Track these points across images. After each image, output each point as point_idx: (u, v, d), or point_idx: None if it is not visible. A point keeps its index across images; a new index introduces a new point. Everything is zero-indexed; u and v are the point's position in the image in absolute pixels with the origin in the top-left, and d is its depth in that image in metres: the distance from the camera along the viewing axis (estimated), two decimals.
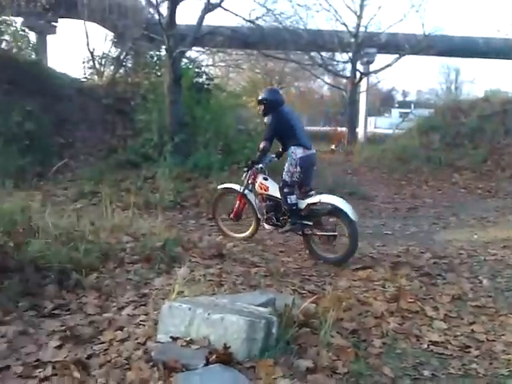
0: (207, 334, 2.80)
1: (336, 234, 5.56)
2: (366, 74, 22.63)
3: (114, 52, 15.13)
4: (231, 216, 6.40)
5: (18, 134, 10.08)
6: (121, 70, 14.60)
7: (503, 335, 3.65)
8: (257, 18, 13.40)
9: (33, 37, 15.31)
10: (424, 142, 14.57)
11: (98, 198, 7.84)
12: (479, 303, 4.27)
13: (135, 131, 11.29)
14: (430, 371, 3.09)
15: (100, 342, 2.99)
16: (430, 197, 11.28)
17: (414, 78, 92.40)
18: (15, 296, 3.47)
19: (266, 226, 6.06)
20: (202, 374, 2.50)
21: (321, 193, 5.86)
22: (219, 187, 6.69)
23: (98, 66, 14.49)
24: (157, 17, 10.81)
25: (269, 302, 3.30)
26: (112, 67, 14.63)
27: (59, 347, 2.92)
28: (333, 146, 19.97)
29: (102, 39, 40.69)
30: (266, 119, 5.89)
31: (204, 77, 13.40)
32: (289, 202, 5.66)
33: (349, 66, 21.92)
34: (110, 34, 16.29)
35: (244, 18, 12.75)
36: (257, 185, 6.07)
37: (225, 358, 2.61)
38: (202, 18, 10.86)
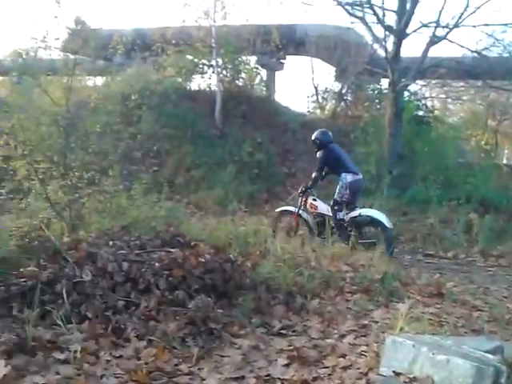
0: (431, 374, 2.74)
1: (375, 240, 6.60)
2: None
3: (336, 86, 15.72)
4: (289, 232, 7.23)
5: (249, 164, 11.13)
6: (341, 104, 15.11)
7: None
8: (484, 49, 12.65)
9: (263, 74, 16.75)
10: None
11: None
12: None
13: (354, 163, 11.51)
14: None
15: (324, 367, 3.11)
16: None
17: None
18: (249, 312, 3.81)
19: (317, 239, 6.83)
20: None
21: (361, 207, 7.18)
22: (277, 210, 7.87)
23: (320, 100, 15.23)
24: (381, 51, 11.00)
25: (496, 350, 3.08)
26: (333, 101, 15.23)
27: (287, 366, 3.09)
28: None
29: (324, 74, 42.52)
30: (317, 154, 7.24)
31: (424, 109, 13.15)
32: (338, 217, 6.91)
33: None
34: (333, 70, 17.00)
35: (469, 49, 12.17)
36: (308, 205, 7.29)
37: None
38: (426, 51, 10.73)
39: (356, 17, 11.03)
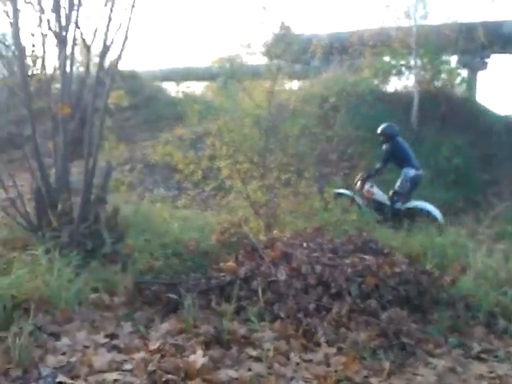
0: None
1: None
2: None
3: None
4: None
5: (445, 169, 10.45)
6: None
7: None
8: None
9: (464, 73, 15.61)
10: None
11: None
12: None
13: None
14: None
15: None
16: None
17: None
18: (445, 330, 3.53)
19: None
20: None
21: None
22: (334, 191, 7.22)
23: None
24: None
25: None
26: None
27: None
28: None
29: None
30: (383, 147, 7.67)
31: None
32: (396, 207, 7.42)
33: None
34: None
35: None
36: (364, 191, 7.60)
37: None
38: None
39: None
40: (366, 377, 2.75)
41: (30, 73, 4.40)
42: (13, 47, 4.63)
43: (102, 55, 4.43)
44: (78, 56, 4.51)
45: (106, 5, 4.38)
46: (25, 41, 4.28)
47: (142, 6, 4.37)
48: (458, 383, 2.93)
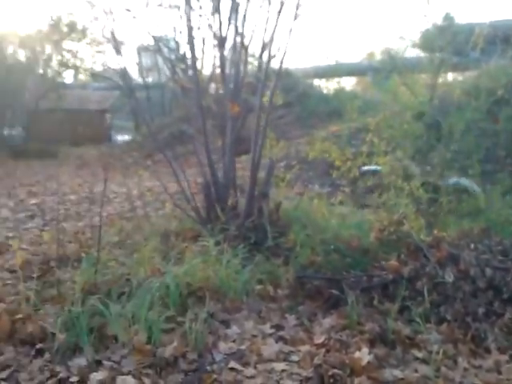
0: None
1: None
2: None
3: None
4: None
5: None
6: None
7: None
8: None
9: None
10: None
11: None
12: None
13: None
14: None
15: None
16: None
17: None
18: None
19: None
20: None
21: None
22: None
23: None
24: None
25: None
26: None
27: None
28: None
29: None
30: None
31: None
32: None
33: None
34: None
35: None
36: None
37: None
38: None
39: None
40: None
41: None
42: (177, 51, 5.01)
43: (260, 55, 4.61)
44: (236, 56, 4.72)
45: (261, 6, 4.57)
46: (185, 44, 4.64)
47: (294, 5, 4.43)
48: None
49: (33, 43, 20.07)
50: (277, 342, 2.85)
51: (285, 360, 2.67)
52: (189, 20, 4.51)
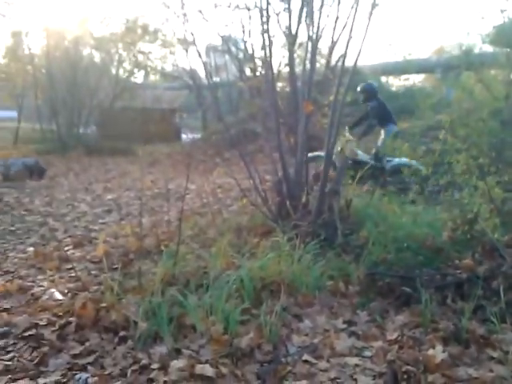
0: None
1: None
2: None
3: None
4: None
5: None
6: None
7: None
8: None
9: None
10: None
11: None
12: None
13: None
14: None
15: None
16: None
17: None
18: None
19: None
20: None
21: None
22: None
23: None
24: None
25: None
26: None
27: None
28: None
29: None
30: (369, 105, 7.79)
31: None
32: (381, 165, 7.53)
33: None
34: None
35: None
36: (347, 151, 6.35)
37: None
38: None
39: None
40: None
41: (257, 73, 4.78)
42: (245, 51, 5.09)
43: (329, 53, 4.65)
44: (303, 54, 4.75)
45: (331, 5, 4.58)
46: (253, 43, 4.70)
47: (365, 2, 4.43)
48: None
49: (107, 45, 20.93)
50: (349, 337, 2.90)
51: (358, 355, 2.71)
52: (262, 18, 4.59)
